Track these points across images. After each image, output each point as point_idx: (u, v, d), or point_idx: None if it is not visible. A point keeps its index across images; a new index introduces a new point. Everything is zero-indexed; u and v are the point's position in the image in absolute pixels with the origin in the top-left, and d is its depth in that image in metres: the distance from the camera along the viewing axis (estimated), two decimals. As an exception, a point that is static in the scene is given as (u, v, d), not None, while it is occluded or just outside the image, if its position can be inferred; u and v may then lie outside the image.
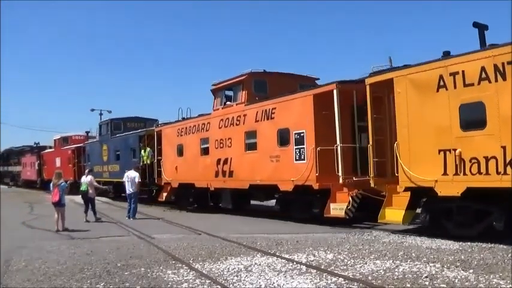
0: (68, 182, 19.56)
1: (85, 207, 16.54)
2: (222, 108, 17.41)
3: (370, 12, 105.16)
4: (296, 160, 13.89)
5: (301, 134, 13.77)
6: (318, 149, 13.11)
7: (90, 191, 16.57)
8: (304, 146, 13.63)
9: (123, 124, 27.49)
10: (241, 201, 17.72)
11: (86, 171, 18.65)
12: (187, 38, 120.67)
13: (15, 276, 7.84)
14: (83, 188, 16.70)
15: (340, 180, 12.63)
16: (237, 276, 7.42)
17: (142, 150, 22.87)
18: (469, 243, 9.49)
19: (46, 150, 42.04)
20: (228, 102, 17.30)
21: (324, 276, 7.21)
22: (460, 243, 9.60)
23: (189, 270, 7.88)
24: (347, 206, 12.38)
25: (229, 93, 17.48)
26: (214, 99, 17.96)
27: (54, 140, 38.79)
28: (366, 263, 8.06)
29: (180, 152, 19.95)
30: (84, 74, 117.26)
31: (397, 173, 10.89)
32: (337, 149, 12.68)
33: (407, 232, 11.22)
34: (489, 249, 8.93)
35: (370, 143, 11.58)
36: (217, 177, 17.32)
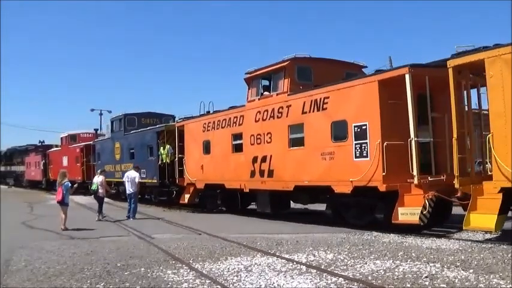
0: (76, 182, 19.77)
1: (98, 206, 16.94)
2: (259, 99, 15.46)
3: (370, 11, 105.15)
4: (356, 157, 12.02)
5: (363, 127, 11.89)
6: (385, 143, 11.32)
7: (100, 191, 16.94)
8: (367, 141, 11.76)
9: (138, 120, 25.58)
10: (281, 205, 15.74)
11: (98, 171, 19.25)
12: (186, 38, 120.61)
13: (15, 276, 7.84)
14: (93, 187, 17.12)
15: (416, 181, 10.89)
16: (237, 276, 7.42)
17: (161, 148, 21.17)
18: (469, 243, 9.50)
19: (52, 149, 40.36)
20: (265, 93, 15.36)
21: (324, 276, 7.21)
22: (460, 243, 9.61)
23: (189, 270, 7.88)
24: (422, 211, 10.61)
25: (267, 82, 15.54)
26: (249, 89, 16.00)
27: (61, 138, 36.92)
28: (366, 263, 8.06)
29: (207, 149, 18.17)
30: (84, 73, 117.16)
31: (455, 171, 9.94)
32: (411, 144, 10.91)
33: (407, 232, 11.21)
34: (489, 249, 8.93)
35: (455, 136, 10.12)
36: (253, 177, 15.40)
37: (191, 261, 8.61)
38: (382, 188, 11.32)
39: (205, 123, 18.31)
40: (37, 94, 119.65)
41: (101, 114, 47.56)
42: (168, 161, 20.75)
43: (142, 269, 8.09)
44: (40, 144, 46.76)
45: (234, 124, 16.62)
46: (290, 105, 14.12)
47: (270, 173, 14.81)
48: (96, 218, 16.30)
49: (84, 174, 30.62)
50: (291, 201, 16.06)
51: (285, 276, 7.27)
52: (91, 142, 31.32)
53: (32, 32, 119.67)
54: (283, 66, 14.57)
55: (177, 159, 19.92)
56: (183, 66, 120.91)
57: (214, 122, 17.75)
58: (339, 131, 12.60)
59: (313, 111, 13.32)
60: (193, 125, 19.24)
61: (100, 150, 29.04)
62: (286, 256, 8.86)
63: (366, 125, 11.86)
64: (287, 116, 14.23)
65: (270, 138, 14.88)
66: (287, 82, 14.39)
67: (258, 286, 6.83)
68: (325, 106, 12.97)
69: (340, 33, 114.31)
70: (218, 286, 6.88)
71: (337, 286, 6.70)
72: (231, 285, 6.94)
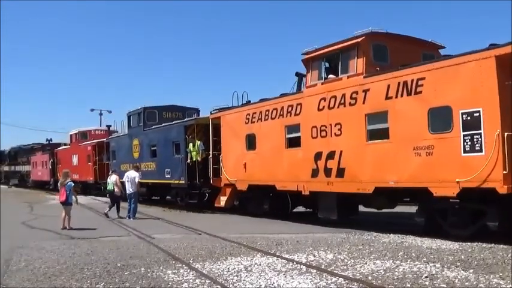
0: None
1: (116, 205, 17.29)
2: (323, 84, 13.00)
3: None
4: (466, 152, 9.70)
5: (475, 114, 9.63)
6: (505, 134, 9.16)
7: (116, 190, 17.32)
8: (481, 131, 9.49)
9: (158, 114, 23.04)
10: (349, 209, 13.33)
11: (110, 172, 19.27)
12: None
13: (15, 276, 7.84)
14: (109, 187, 17.53)
15: None
16: (237, 276, 7.42)
17: (190, 144, 18.84)
18: (469, 243, 9.50)
19: (61, 147, 37.75)
20: (330, 76, 12.97)
21: (324, 276, 7.21)
22: (460, 243, 9.61)
23: (189, 270, 7.89)
24: None
25: (332, 63, 13.09)
26: (308, 72, 13.61)
27: (71, 135, 34.29)
28: (366, 263, 8.06)
29: (251, 144, 15.68)
30: (83, 73, 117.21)
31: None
32: None
33: (407, 232, 11.22)
34: (489, 249, 8.93)
35: None
36: (316, 177, 13.00)
37: (191, 261, 8.61)
38: (503, 190, 9.12)
39: (248, 114, 15.78)
40: (37, 94, 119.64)
41: (101, 114, 47.58)
42: (199, 158, 18.48)
43: (143, 269, 8.09)
44: (47, 142, 43.87)
45: (289, 114, 14.09)
46: (368, 90, 11.70)
47: (340, 172, 12.35)
48: (116, 216, 16.68)
49: (97, 174, 28.49)
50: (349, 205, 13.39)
51: (285, 276, 7.27)
52: (104, 139, 28.93)
53: (32, 32, 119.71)
54: (355, 43, 12.19)
55: (211, 156, 17.60)
56: (183, 66, 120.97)
57: (260, 113, 15.23)
58: (439, 119, 10.32)
59: (401, 95, 10.95)
60: (233, 117, 16.70)
61: (115, 148, 26.61)
62: (286, 256, 8.86)
63: (479, 111, 9.59)
64: (364, 103, 11.81)
65: (340, 130, 12.44)
66: (362, 62, 12.03)
67: (258, 286, 6.83)
68: (419, 89, 10.64)
69: (340, 33, 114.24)
70: (218, 286, 6.88)
71: (337, 286, 6.71)
72: (231, 285, 6.94)
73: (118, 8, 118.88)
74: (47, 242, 11.25)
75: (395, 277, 7.06)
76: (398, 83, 11.01)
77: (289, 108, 14.12)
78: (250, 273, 7.55)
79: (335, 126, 12.62)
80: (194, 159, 18.62)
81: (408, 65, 11.08)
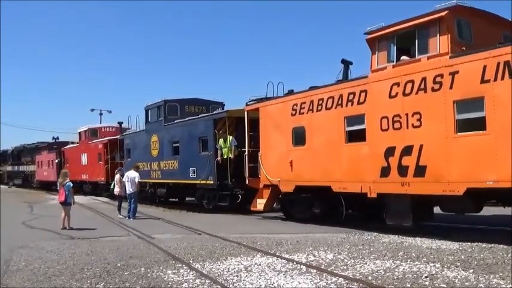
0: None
1: (118, 204, 17.48)
2: (394, 67, 11.23)
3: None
4: None
5: None
6: None
7: (117, 189, 17.39)
8: None
9: (180, 108, 21.08)
10: (424, 213, 11.34)
11: (116, 171, 18.99)
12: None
13: (15, 276, 7.85)
14: (112, 186, 17.81)
15: None
16: (237, 276, 7.42)
17: (221, 140, 17.00)
18: (469, 243, 9.50)
19: (68, 146, 35.85)
20: (403, 57, 11.22)
21: (324, 276, 7.21)
22: (460, 243, 9.61)
23: (189, 270, 7.89)
24: None
25: (405, 43, 11.33)
26: (374, 54, 11.76)
27: (79, 132, 32.38)
28: (366, 263, 8.06)
29: (299, 138, 13.76)
30: (84, 73, 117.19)
31: None
32: None
33: (407, 232, 11.22)
34: (489, 249, 8.93)
35: None
36: (387, 176, 11.12)
37: (191, 261, 8.61)
38: None
39: (295, 104, 13.84)
40: (37, 94, 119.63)
41: (101, 114, 47.54)
42: (231, 156, 16.72)
43: (142, 269, 8.09)
44: (54, 141, 41.30)
45: (350, 103, 12.17)
46: (457, 72, 10.02)
47: (419, 171, 10.51)
48: (120, 216, 16.86)
49: (109, 175, 26.23)
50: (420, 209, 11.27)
51: (285, 276, 7.27)
52: (117, 136, 26.91)
53: (31, 31, 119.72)
54: (437, 18, 10.53)
55: (246, 153, 15.53)
56: (183, 65, 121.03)
57: (312, 102, 13.28)
58: None
59: (501, 78, 9.24)
60: (276, 108, 14.72)
61: (130, 146, 24.65)
62: (286, 256, 8.86)
63: None
64: (451, 88, 10.08)
65: (419, 120, 10.59)
66: (446, 40, 10.34)
67: (258, 286, 6.83)
68: None
69: (339, 33, 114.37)
70: (218, 286, 6.88)
71: (337, 286, 6.71)
72: (231, 285, 6.94)
73: (118, 8, 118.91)
74: (47, 242, 11.25)
75: (395, 277, 7.06)
76: (498, 64, 9.23)
77: (351, 96, 12.12)
78: (250, 273, 7.55)
79: (413, 116, 10.69)
80: (225, 157, 16.80)
81: (504, 43, 9.57)
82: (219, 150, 17.04)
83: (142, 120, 23.60)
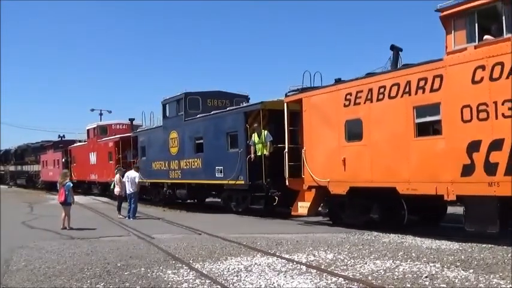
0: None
1: (118, 204, 17.51)
2: (477, 47, 9.66)
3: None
4: None
5: None
6: None
7: (117, 189, 17.38)
8: None
9: (202, 101, 19.25)
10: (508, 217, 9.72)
11: (116, 171, 18.69)
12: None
13: (15, 276, 7.85)
14: (112, 186, 17.87)
15: None
16: (237, 276, 7.43)
17: (255, 135, 15.23)
18: (469, 243, 9.50)
19: (75, 144, 33.84)
20: (487, 37, 9.65)
21: (324, 276, 7.22)
22: (460, 243, 9.61)
23: (189, 270, 7.89)
24: None
25: (487, 20, 9.78)
26: (449, 33, 10.21)
27: (88, 130, 30.56)
28: (366, 263, 8.06)
29: (355, 133, 12.03)
30: (84, 73, 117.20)
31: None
32: None
33: (407, 232, 11.22)
34: (489, 249, 8.93)
35: None
36: (470, 175, 9.56)
37: (191, 261, 8.62)
38: None
39: (349, 94, 12.12)
40: (36, 94, 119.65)
41: (101, 114, 47.47)
42: (266, 152, 14.98)
43: (143, 269, 8.10)
44: (60, 139, 39.27)
45: (420, 90, 10.54)
46: None
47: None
48: (120, 216, 16.90)
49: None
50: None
51: (285, 276, 7.27)
52: (130, 134, 25.17)
53: (31, 31, 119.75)
54: None
55: (286, 150, 13.75)
56: (182, 65, 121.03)
57: (370, 91, 11.58)
58: None
59: None
60: (323, 98, 12.97)
61: (145, 143, 22.83)
62: (286, 256, 8.86)
63: None
64: None
65: None
66: None
67: (258, 286, 6.84)
68: None
69: (339, 33, 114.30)
70: (218, 286, 6.88)
71: (337, 286, 6.71)
72: (231, 285, 6.94)
73: (118, 8, 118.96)
74: (47, 242, 11.26)
75: (395, 277, 7.07)
76: None
77: (421, 83, 10.51)
78: (250, 273, 7.55)
79: (503, 104, 9.11)
80: (259, 154, 15.07)
81: None
82: (252, 147, 15.31)
83: (157, 115, 22.07)
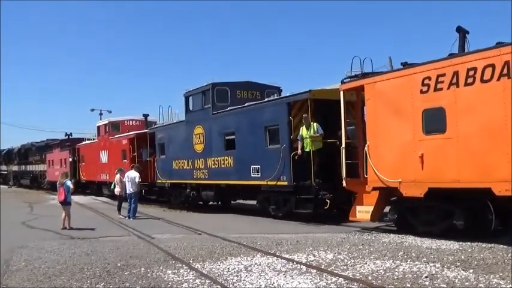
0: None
1: (118, 204, 17.56)
2: None
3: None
4: None
5: None
6: None
7: (117, 189, 17.36)
8: None
9: (231, 93, 17.51)
10: None
11: (116, 171, 18.54)
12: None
13: (15, 276, 7.86)
14: (112, 186, 17.92)
15: None
16: (237, 276, 7.43)
17: (303, 129, 13.48)
18: (469, 243, 9.49)
19: (84, 142, 32.11)
20: None
21: (324, 276, 7.22)
22: (460, 243, 9.60)
23: (189, 270, 7.89)
24: None
25: None
26: None
27: (98, 126, 28.72)
28: (366, 263, 8.06)
29: (436, 124, 10.09)
30: (84, 73, 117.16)
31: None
32: None
33: (407, 232, 11.21)
34: (489, 249, 8.93)
35: None
36: None
37: (191, 261, 8.62)
38: None
39: (427, 78, 10.19)
40: (36, 94, 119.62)
41: (101, 114, 47.41)
42: (312, 148, 13.31)
43: (143, 269, 8.10)
44: (67, 137, 37.33)
45: None
46: None
47: None
48: (120, 216, 16.89)
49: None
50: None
51: (285, 276, 7.27)
52: (146, 130, 23.33)
53: (31, 32, 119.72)
54: None
55: (343, 146, 11.89)
56: (183, 65, 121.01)
57: (455, 74, 9.74)
58: None
59: None
60: (392, 84, 11.00)
61: (165, 140, 20.83)
62: (286, 256, 8.86)
63: None
64: None
65: None
66: None
67: (258, 286, 6.84)
68: None
69: (338, 33, 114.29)
70: (218, 286, 6.89)
71: (337, 286, 6.71)
72: (231, 285, 6.94)
73: (118, 8, 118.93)
74: (47, 242, 11.26)
75: (395, 277, 7.07)
76: None
77: None
78: (250, 273, 7.55)
79: None
80: (308, 150, 13.30)
81: None
82: (299, 142, 13.53)
83: (175, 110, 20.74)
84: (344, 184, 11.85)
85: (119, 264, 8.49)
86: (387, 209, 11.63)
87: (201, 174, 18.07)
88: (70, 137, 37.34)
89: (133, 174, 17.25)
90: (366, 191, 11.50)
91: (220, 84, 17.55)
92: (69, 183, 14.45)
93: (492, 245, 9.19)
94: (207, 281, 7.11)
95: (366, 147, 11.41)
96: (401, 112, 10.71)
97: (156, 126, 22.22)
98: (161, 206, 19.57)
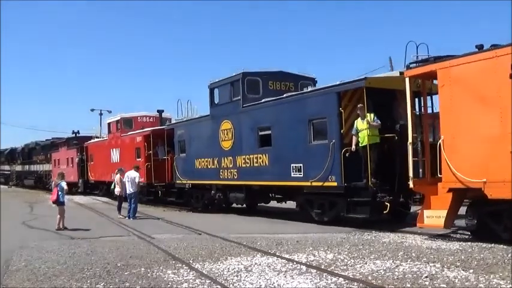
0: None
1: (118, 204, 17.59)
2: None
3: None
4: None
5: None
6: None
7: (117, 189, 17.35)
8: None
9: (263, 84, 15.88)
10: None
11: (116, 171, 18.38)
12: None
13: (15, 276, 7.85)
14: (113, 186, 17.84)
15: None
16: (237, 276, 7.43)
17: (358, 121, 11.93)
18: (469, 243, 9.50)
19: (93, 141, 30.50)
20: None
21: (324, 276, 7.22)
22: (460, 243, 9.60)
23: (189, 270, 7.89)
24: None
25: None
26: None
27: (109, 123, 27.12)
28: (366, 263, 8.06)
29: None
30: (84, 73, 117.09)
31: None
32: None
33: (407, 232, 11.22)
34: (489, 249, 8.93)
35: None
36: None
37: (191, 261, 8.62)
38: None
39: None
40: (36, 94, 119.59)
41: (101, 114, 47.33)
42: (369, 142, 11.73)
43: (143, 269, 8.10)
44: (74, 135, 35.29)
45: None
46: None
47: None
48: (120, 216, 16.90)
49: (151, 175, 21.11)
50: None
51: (285, 276, 7.27)
52: (164, 127, 21.75)
53: (31, 31, 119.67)
54: None
55: (411, 140, 10.29)
56: (182, 65, 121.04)
57: None
58: None
59: None
60: (472, 69, 9.30)
61: (185, 137, 19.05)
62: (286, 256, 8.86)
63: None
64: None
65: None
66: None
67: (258, 286, 6.84)
68: None
69: (336, 33, 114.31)
70: (218, 286, 6.89)
71: (337, 286, 6.71)
72: (231, 285, 6.94)
73: (118, 8, 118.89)
74: (47, 242, 11.26)
75: (395, 277, 7.06)
76: None
77: None
78: (250, 273, 7.55)
79: None
80: (363, 145, 11.82)
81: None
82: (354, 136, 12.05)
83: (195, 105, 19.37)
84: (411, 185, 10.36)
85: (119, 264, 8.49)
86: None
87: (228, 174, 16.41)
88: (77, 134, 35.20)
89: (133, 174, 17.25)
90: (434, 193, 10.01)
91: (251, 74, 15.80)
92: (64, 183, 14.41)
93: (492, 245, 9.18)
94: (207, 281, 7.11)
95: (440, 142, 9.84)
96: (486, 101, 9.11)
97: (176, 122, 20.69)
98: (180, 210, 18.91)
